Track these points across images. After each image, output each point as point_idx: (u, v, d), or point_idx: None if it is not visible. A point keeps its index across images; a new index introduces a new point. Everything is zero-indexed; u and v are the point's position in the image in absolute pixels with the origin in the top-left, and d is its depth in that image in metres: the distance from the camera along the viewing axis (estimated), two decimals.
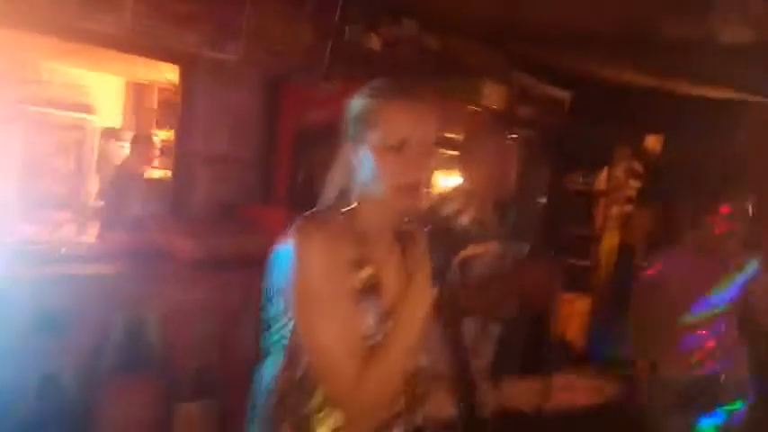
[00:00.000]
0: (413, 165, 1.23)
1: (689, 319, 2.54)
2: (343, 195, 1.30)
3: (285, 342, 1.27)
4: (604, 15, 3.61)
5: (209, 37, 2.84)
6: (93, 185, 5.83)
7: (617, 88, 5.33)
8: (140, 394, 2.82)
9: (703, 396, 2.50)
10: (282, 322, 1.27)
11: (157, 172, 5.17)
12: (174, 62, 3.21)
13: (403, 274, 1.33)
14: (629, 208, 5.91)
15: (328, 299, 1.18)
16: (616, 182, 5.61)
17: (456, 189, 2.32)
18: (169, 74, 3.77)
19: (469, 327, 2.18)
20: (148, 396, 2.85)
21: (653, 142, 6.07)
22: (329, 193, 1.33)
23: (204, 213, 3.48)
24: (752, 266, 2.59)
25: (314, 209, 1.30)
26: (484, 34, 4.78)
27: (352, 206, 1.28)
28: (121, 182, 4.68)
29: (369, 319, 1.23)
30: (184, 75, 3.26)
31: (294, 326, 1.24)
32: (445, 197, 2.20)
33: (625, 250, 5.67)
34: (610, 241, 5.64)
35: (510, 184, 2.28)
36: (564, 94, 5.17)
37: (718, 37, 3.01)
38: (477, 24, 4.51)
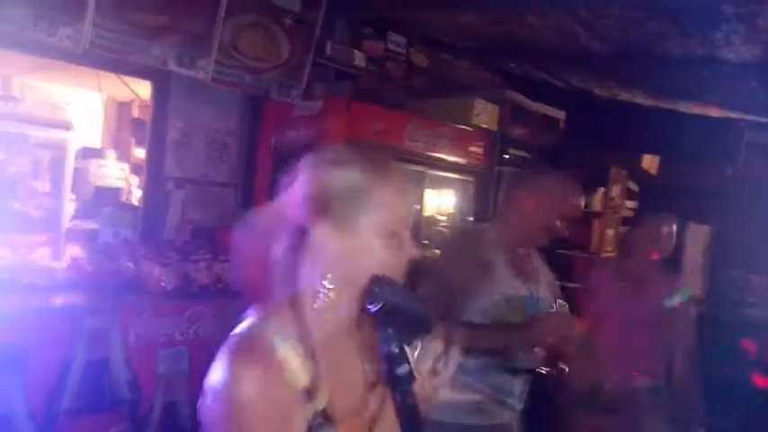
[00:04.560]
0: (408, 251, 1.05)
1: None
2: (302, 290, 1.04)
3: None
4: (601, 33, 3.47)
5: (177, 52, 2.65)
6: (70, 206, 5.60)
7: (613, 107, 5.21)
8: None
9: None
10: None
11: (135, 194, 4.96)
12: (143, 78, 3.03)
13: (366, 376, 1.10)
14: (624, 229, 5.78)
15: None
16: (611, 203, 5.46)
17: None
18: (144, 91, 3.59)
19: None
20: None
21: (649, 162, 5.94)
22: (284, 287, 1.04)
23: (177, 239, 3.27)
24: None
25: (253, 318, 1.04)
26: (476, 51, 4.64)
27: (316, 306, 1.03)
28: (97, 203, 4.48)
29: None
30: (156, 91, 3.08)
31: None
32: None
33: None
34: None
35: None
36: (558, 113, 5.01)
37: (721, 55, 2.85)
38: (469, 41, 4.37)
